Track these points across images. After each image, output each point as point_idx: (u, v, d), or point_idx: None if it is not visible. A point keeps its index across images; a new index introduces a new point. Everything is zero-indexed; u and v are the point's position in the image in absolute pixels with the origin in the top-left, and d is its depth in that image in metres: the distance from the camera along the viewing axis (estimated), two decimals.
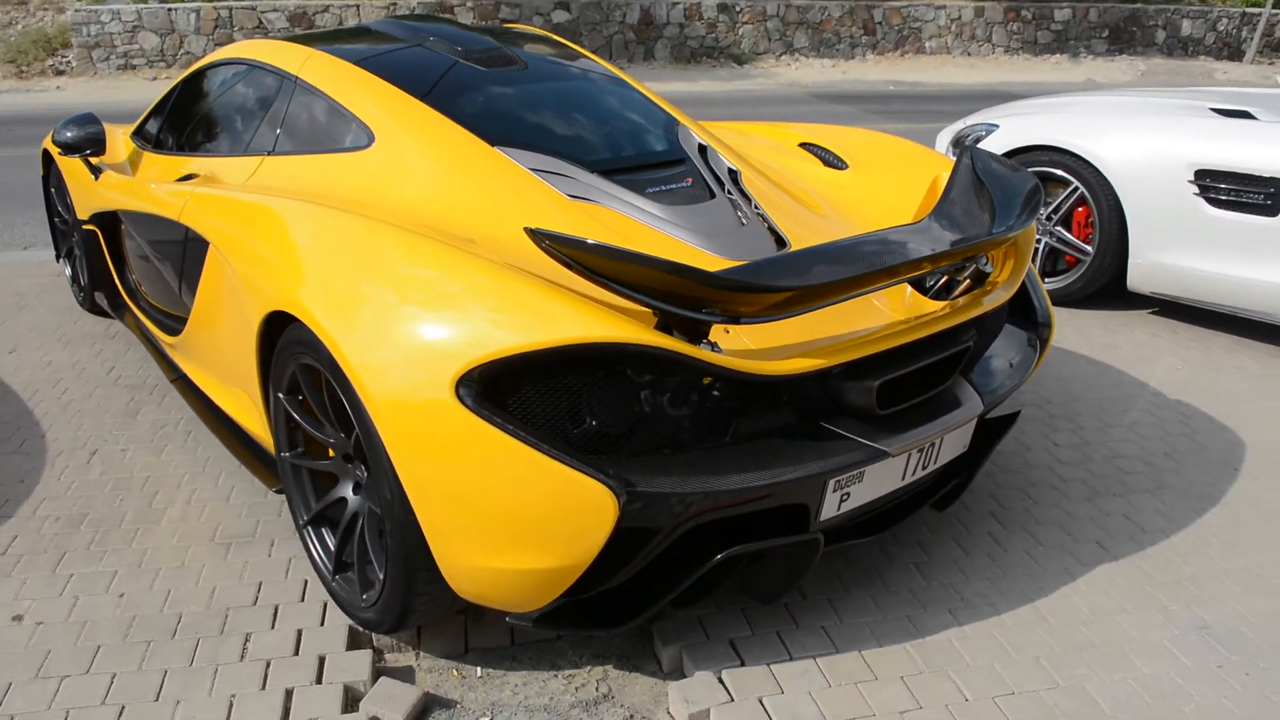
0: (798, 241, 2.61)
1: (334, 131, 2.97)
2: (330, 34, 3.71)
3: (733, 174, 2.89)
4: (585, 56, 3.56)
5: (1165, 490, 3.16)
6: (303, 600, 2.55)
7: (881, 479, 2.28)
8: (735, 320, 2.00)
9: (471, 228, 2.46)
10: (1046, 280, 4.88)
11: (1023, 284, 2.90)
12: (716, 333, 2.11)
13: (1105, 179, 4.50)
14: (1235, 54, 19.11)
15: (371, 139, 2.83)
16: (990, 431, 2.73)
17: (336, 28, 12.22)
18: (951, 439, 2.43)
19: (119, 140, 4.31)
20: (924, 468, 2.39)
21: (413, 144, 2.78)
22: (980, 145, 4.95)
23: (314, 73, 3.16)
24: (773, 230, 2.67)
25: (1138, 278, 4.53)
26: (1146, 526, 2.94)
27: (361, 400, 2.06)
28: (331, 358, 2.13)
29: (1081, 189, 4.61)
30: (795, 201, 2.91)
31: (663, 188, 2.73)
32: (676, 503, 1.97)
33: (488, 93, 3.05)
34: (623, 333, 1.90)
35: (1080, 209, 4.67)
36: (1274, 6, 18.70)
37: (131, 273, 4.02)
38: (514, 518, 1.95)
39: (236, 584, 2.62)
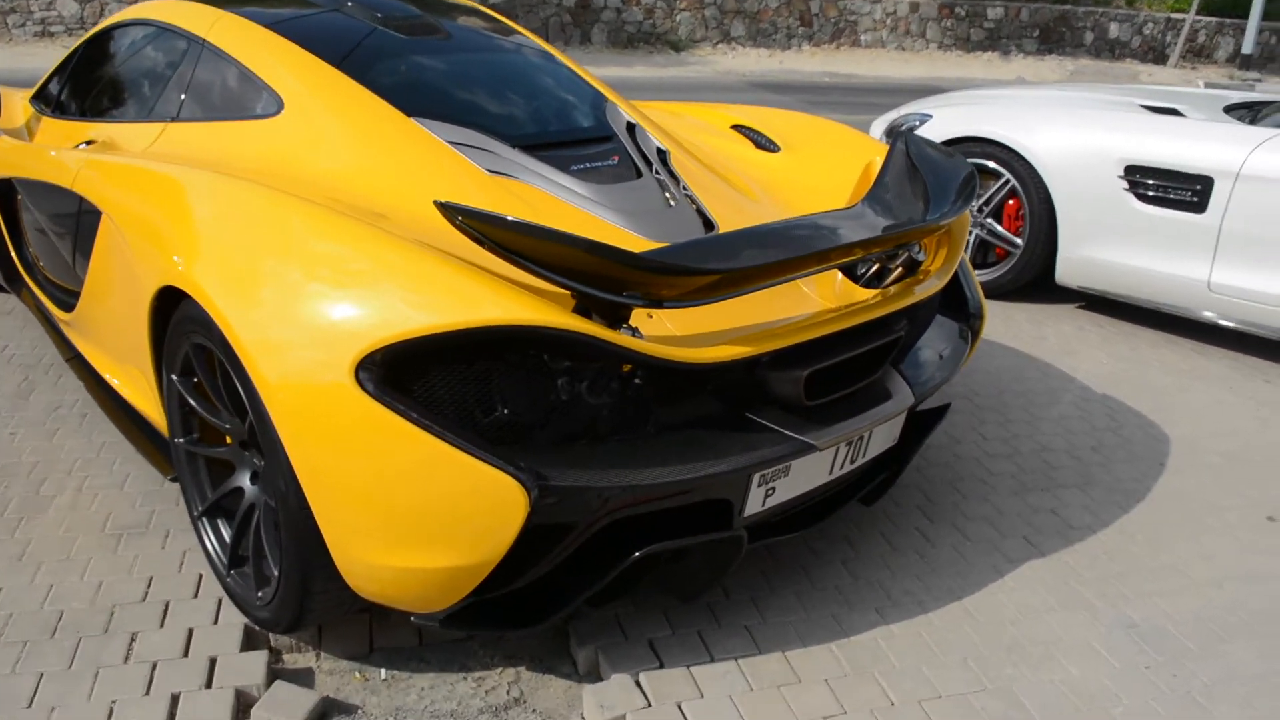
0: (726, 224, 2.51)
1: (241, 98, 2.80)
2: None
3: (661, 154, 2.78)
4: (514, 30, 3.42)
5: (1092, 485, 3.13)
6: (196, 597, 2.38)
7: (808, 473, 2.19)
8: (658, 304, 1.89)
9: (384, 202, 2.32)
10: (976, 272, 4.86)
11: (954, 274, 2.84)
12: (638, 317, 2.00)
13: (1036, 172, 4.49)
14: (1159, 58, 19.52)
15: (280, 106, 2.67)
16: (920, 424, 2.67)
17: None
18: (881, 432, 2.35)
19: (17, 105, 4.07)
20: (852, 461, 2.31)
21: (324, 112, 2.63)
22: None
23: (222, 35, 2.98)
24: (701, 212, 2.57)
25: (1066, 271, 4.53)
26: (1074, 522, 2.91)
27: (254, 383, 1.91)
28: (223, 336, 1.98)
29: (1013, 181, 4.59)
30: (725, 183, 2.81)
31: (587, 165, 2.61)
32: (592, 498, 1.86)
33: (407, 61, 2.90)
34: (537, 315, 1.78)
35: (1011, 201, 4.66)
36: (1197, 13, 19.13)
37: (28, 245, 3.78)
38: (416, 512, 1.81)
39: (125, 578, 2.44)
